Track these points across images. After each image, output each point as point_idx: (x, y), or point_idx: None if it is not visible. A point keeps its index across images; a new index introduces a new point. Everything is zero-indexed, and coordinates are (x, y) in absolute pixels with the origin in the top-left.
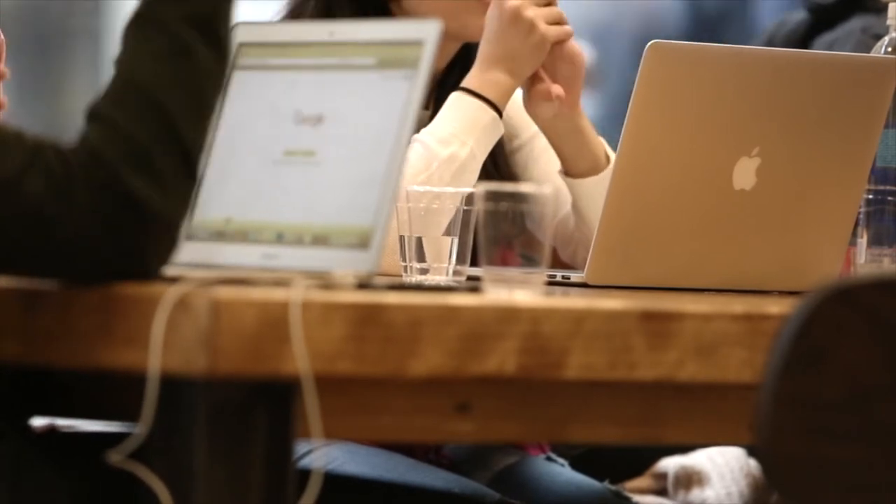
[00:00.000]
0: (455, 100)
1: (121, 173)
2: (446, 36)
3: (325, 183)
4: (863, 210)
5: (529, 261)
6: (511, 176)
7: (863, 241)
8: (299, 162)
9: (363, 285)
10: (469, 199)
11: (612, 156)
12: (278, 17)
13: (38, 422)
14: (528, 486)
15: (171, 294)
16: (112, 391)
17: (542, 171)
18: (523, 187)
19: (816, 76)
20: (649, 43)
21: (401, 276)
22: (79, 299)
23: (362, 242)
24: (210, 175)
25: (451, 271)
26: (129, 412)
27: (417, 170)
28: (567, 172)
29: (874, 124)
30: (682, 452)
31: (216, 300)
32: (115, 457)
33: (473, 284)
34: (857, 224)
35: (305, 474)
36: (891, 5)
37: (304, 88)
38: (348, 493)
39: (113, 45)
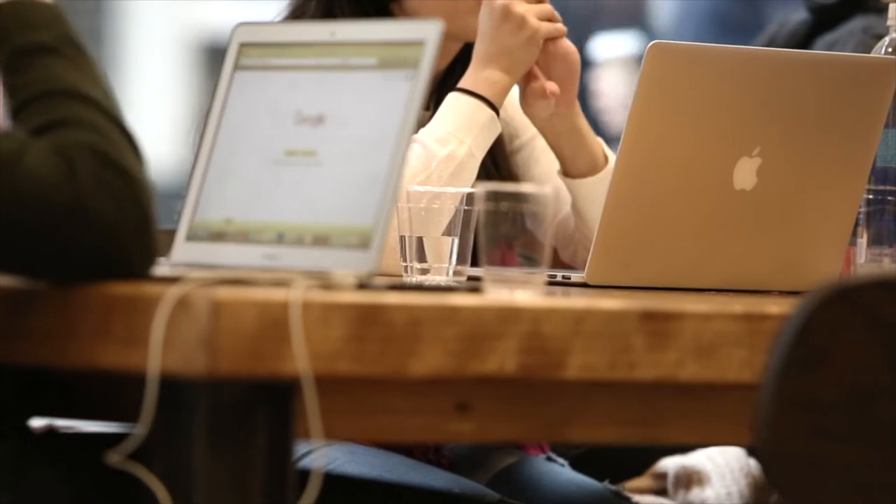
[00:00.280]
0: (452, 100)
1: (109, 150)
2: (447, 36)
3: (325, 183)
4: (863, 210)
5: (530, 261)
6: (512, 176)
7: (863, 241)
8: (300, 162)
9: (363, 285)
10: (469, 199)
11: (611, 156)
12: (279, 18)
13: (37, 422)
14: (527, 487)
15: (171, 294)
16: (112, 391)
17: (543, 172)
18: (524, 187)
19: (817, 76)
20: (650, 43)
21: (401, 276)
22: (78, 299)
23: (363, 243)
24: (211, 175)
25: (451, 271)
26: (128, 413)
27: (416, 170)
28: (566, 173)
29: (874, 124)
30: (682, 452)
31: (216, 300)
32: (115, 457)
33: (474, 284)
34: (857, 224)
35: (305, 474)
36: (891, 6)
37: (305, 89)
38: (348, 493)
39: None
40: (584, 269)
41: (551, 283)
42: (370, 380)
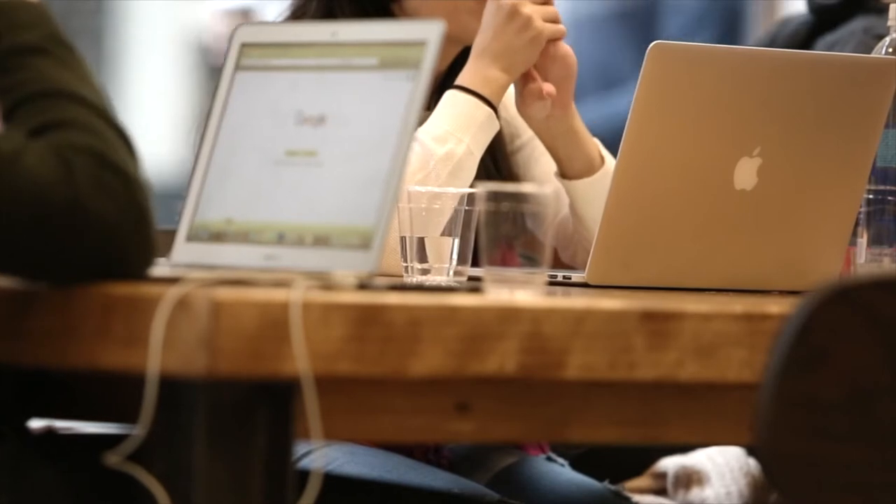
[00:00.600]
0: (450, 97)
1: (105, 150)
2: (447, 38)
3: (326, 183)
4: (863, 210)
5: (530, 261)
6: (512, 176)
7: (863, 241)
8: (301, 162)
9: (364, 286)
10: (470, 199)
11: (607, 156)
12: (280, 19)
13: (36, 423)
14: (527, 487)
15: (171, 294)
16: (112, 392)
17: (543, 172)
18: (524, 187)
19: (817, 77)
20: (652, 43)
21: (402, 276)
22: (78, 300)
23: (363, 243)
24: (211, 175)
25: (451, 272)
26: (128, 413)
27: (414, 168)
28: (562, 174)
29: (874, 124)
30: (682, 452)
31: (216, 301)
32: (113, 458)
33: (474, 285)
34: (857, 224)
35: (305, 475)
36: (892, 6)
37: (306, 89)
38: (348, 493)
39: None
40: (584, 269)
41: (552, 284)
42: (370, 380)
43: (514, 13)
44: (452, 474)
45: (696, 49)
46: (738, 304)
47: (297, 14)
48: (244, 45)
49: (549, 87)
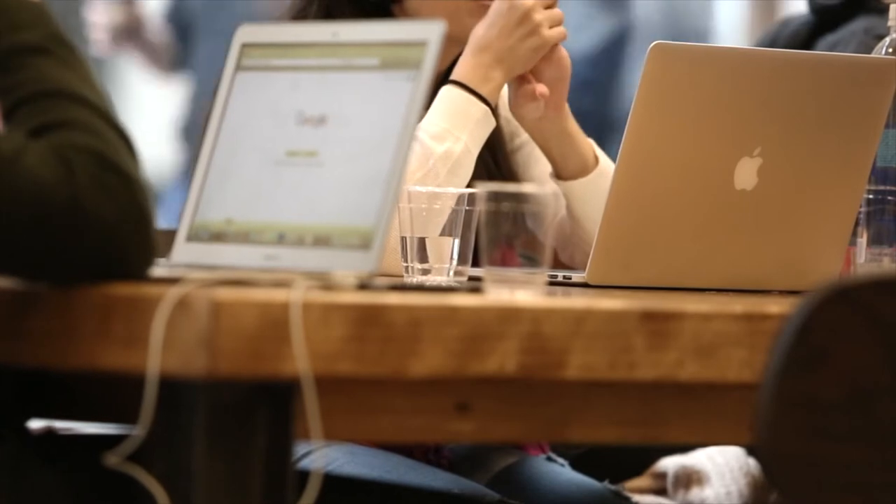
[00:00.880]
0: (447, 93)
1: (106, 151)
2: (448, 39)
3: (327, 184)
4: (863, 210)
5: (530, 261)
6: (513, 175)
7: (863, 240)
8: (301, 163)
9: (364, 286)
10: (471, 199)
11: (601, 157)
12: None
13: (35, 424)
14: (527, 487)
15: (171, 295)
16: (111, 393)
17: (543, 172)
18: (524, 187)
19: (817, 77)
20: (652, 44)
21: (402, 276)
22: (78, 300)
23: (364, 243)
24: (211, 176)
25: (452, 272)
26: (128, 413)
27: (414, 167)
28: (557, 175)
29: (875, 124)
30: (682, 452)
31: (216, 301)
32: (113, 459)
33: (474, 285)
34: (857, 224)
35: (304, 475)
36: (892, 6)
37: (306, 89)
38: (347, 493)
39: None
40: (584, 269)
41: (552, 284)
42: (370, 380)
43: (525, 17)
44: (452, 474)
45: (696, 49)
46: (738, 304)
47: (297, 17)
48: (245, 46)
49: (542, 89)
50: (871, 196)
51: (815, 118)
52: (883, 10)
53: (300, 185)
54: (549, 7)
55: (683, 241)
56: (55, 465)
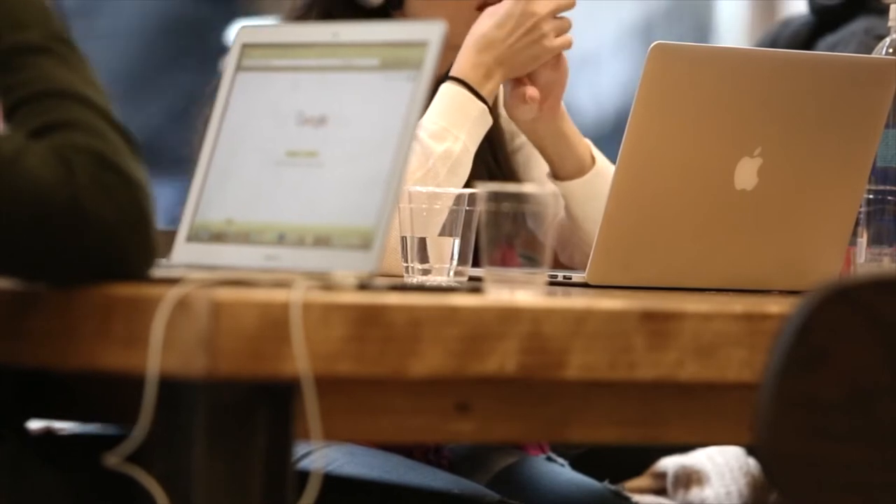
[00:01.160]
0: (446, 90)
1: (107, 152)
2: (447, 44)
3: (327, 184)
4: (863, 210)
5: (531, 261)
6: (513, 175)
7: (863, 240)
8: (302, 163)
9: (364, 286)
10: (471, 199)
11: (598, 157)
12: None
13: (35, 424)
14: (527, 487)
15: (171, 295)
16: (111, 393)
17: (543, 172)
18: (525, 188)
19: (818, 77)
20: (653, 44)
21: (402, 276)
22: (78, 300)
23: (364, 243)
24: (212, 176)
25: (452, 272)
26: (128, 414)
27: (414, 167)
28: (554, 175)
29: (875, 125)
30: (682, 452)
31: (216, 301)
32: (112, 459)
33: (474, 285)
34: (857, 224)
35: (304, 475)
36: (892, 7)
37: (307, 89)
38: (347, 494)
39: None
40: (584, 269)
41: (552, 284)
42: (370, 380)
43: (535, 25)
44: (452, 475)
45: (696, 49)
46: (738, 304)
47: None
48: (245, 46)
49: (532, 93)
50: (871, 196)
51: (815, 118)
52: (883, 11)
53: (300, 185)
54: (559, 10)
55: (683, 241)
56: (55, 465)
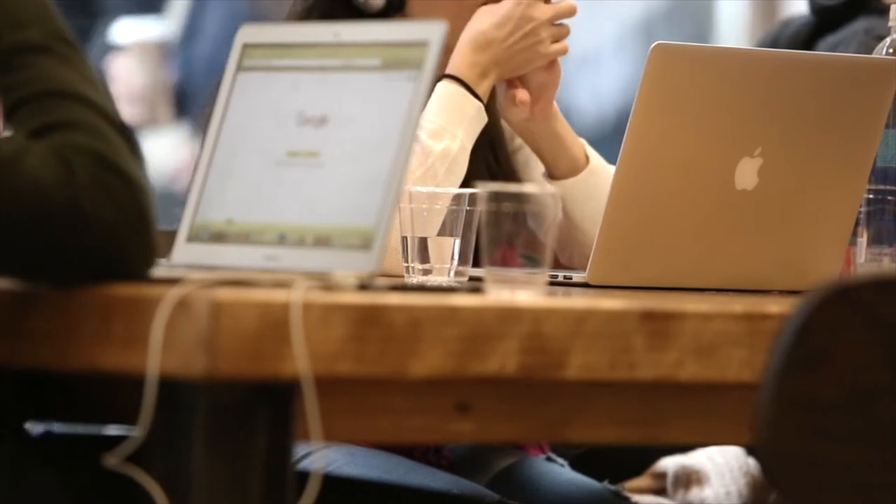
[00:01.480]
0: (443, 88)
1: (107, 152)
2: (448, 46)
3: (327, 184)
4: (863, 210)
5: (531, 261)
6: (514, 175)
7: (863, 240)
8: (302, 163)
9: (364, 286)
10: (471, 199)
11: (592, 155)
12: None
13: (35, 424)
14: (527, 487)
15: (171, 295)
16: (111, 393)
17: (541, 172)
18: (525, 188)
19: (818, 77)
20: (653, 44)
21: (403, 276)
22: (79, 301)
23: (364, 243)
24: (212, 176)
25: (453, 272)
26: (128, 414)
27: (413, 166)
28: (550, 175)
29: (875, 125)
30: (682, 452)
31: (216, 301)
32: (112, 460)
33: (474, 285)
34: (857, 224)
35: (304, 476)
36: (893, 7)
37: (307, 89)
38: (347, 494)
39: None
40: (584, 270)
41: (552, 284)
42: (370, 380)
43: (534, 30)
44: (452, 475)
45: (697, 49)
46: (738, 304)
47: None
48: (246, 46)
49: (522, 96)
50: (871, 196)
51: (815, 118)
52: (883, 11)
53: (301, 185)
54: (559, 16)
55: (684, 241)
56: (55, 465)
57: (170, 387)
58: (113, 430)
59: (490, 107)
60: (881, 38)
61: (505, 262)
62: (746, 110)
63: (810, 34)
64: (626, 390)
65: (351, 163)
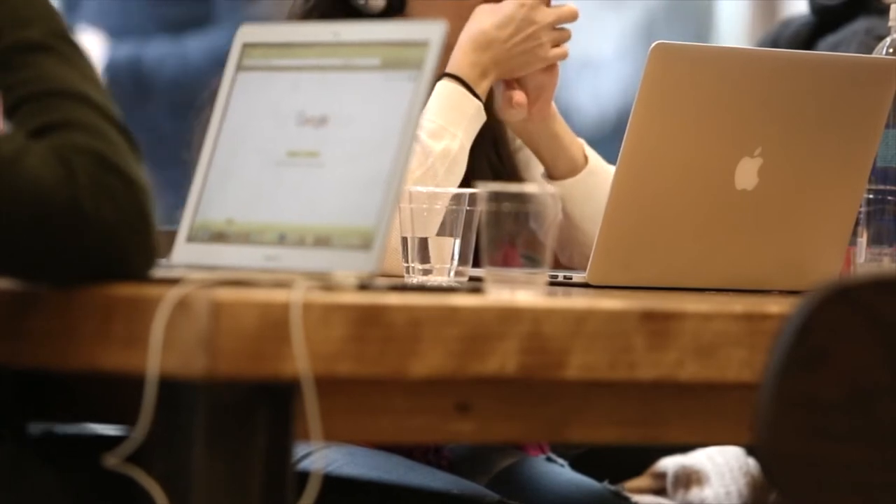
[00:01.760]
0: (443, 88)
1: (107, 152)
2: (448, 45)
3: (327, 184)
4: (863, 210)
5: (532, 261)
6: (516, 174)
7: (863, 240)
8: (302, 163)
9: (364, 286)
10: (471, 199)
11: (591, 155)
12: None
13: (35, 424)
14: (527, 487)
15: (171, 295)
16: (111, 393)
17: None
18: (526, 188)
19: (818, 77)
20: (654, 44)
21: (403, 276)
22: (79, 301)
23: (364, 243)
24: (212, 176)
25: (453, 272)
26: (129, 414)
27: (413, 166)
28: (549, 175)
29: (875, 125)
30: (682, 452)
31: (216, 301)
32: (112, 460)
33: (475, 285)
34: (857, 224)
35: (304, 476)
36: (893, 7)
37: (307, 89)
38: (347, 494)
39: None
40: (584, 270)
41: (553, 284)
42: (370, 380)
43: (535, 33)
44: (452, 475)
45: (697, 49)
46: (738, 304)
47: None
48: (246, 46)
49: (518, 98)
50: (871, 196)
51: (815, 118)
52: (884, 11)
53: (301, 185)
54: (560, 21)
55: (684, 241)
56: (55, 465)
57: (170, 387)
58: (113, 430)
59: (492, 105)
60: (881, 38)
61: (506, 262)
62: (746, 110)
63: (810, 34)
64: (626, 390)
65: (351, 163)
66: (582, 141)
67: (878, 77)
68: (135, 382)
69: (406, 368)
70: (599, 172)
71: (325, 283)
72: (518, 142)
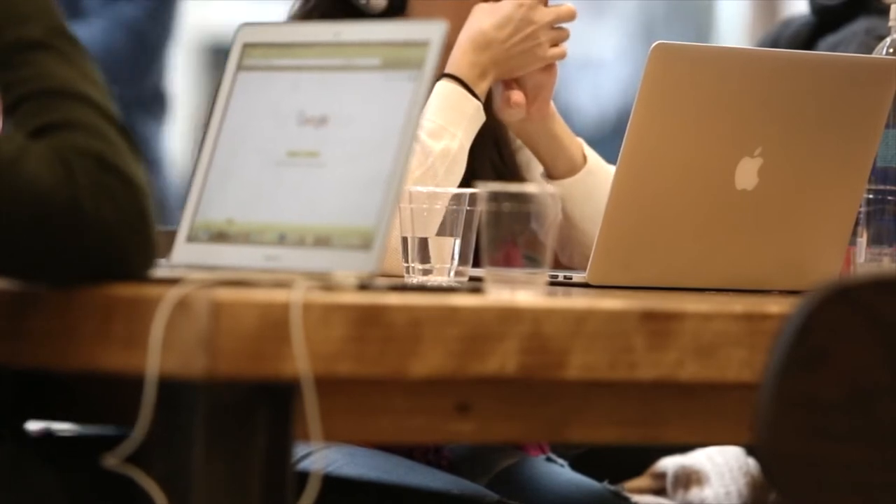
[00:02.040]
0: (442, 88)
1: (107, 152)
2: (447, 45)
3: (328, 184)
4: (863, 210)
5: (532, 261)
6: (517, 174)
7: (863, 240)
8: (302, 163)
9: (364, 286)
10: (472, 199)
11: (590, 155)
12: None
13: (34, 425)
14: (527, 487)
15: (171, 295)
16: (111, 393)
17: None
18: (526, 188)
19: (818, 77)
20: (654, 44)
21: (403, 276)
22: (79, 301)
23: (364, 243)
24: (212, 176)
25: (452, 272)
26: (128, 414)
27: (413, 166)
28: (548, 175)
29: (875, 125)
30: (682, 452)
31: (216, 301)
32: (112, 460)
33: (475, 285)
34: (857, 224)
35: (304, 477)
36: (893, 7)
37: (307, 89)
38: (347, 494)
39: None
40: (584, 270)
41: (553, 284)
42: (370, 380)
43: (534, 33)
44: (452, 475)
45: (697, 49)
46: (738, 304)
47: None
48: (246, 45)
49: (517, 98)
50: (871, 196)
51: (815, 118)
52: (884, 11)
53: (301, 185)
54: (559, 20)
55: (684, 241)
56: (54, 465)
57: (170, 387)
58: (113, 430)
59: (492, 106)
60: (881, 38)
61: (508, 262)
62: (746, 110)
63: (810, 34)
64: (626, 390)
65: (351, 163)
66: (581, 140)
67: (878, 77)
68: (135, 382)
69: (406, 368)
70: (599, 172)
71: (325, 283)
72: (518, 142)
